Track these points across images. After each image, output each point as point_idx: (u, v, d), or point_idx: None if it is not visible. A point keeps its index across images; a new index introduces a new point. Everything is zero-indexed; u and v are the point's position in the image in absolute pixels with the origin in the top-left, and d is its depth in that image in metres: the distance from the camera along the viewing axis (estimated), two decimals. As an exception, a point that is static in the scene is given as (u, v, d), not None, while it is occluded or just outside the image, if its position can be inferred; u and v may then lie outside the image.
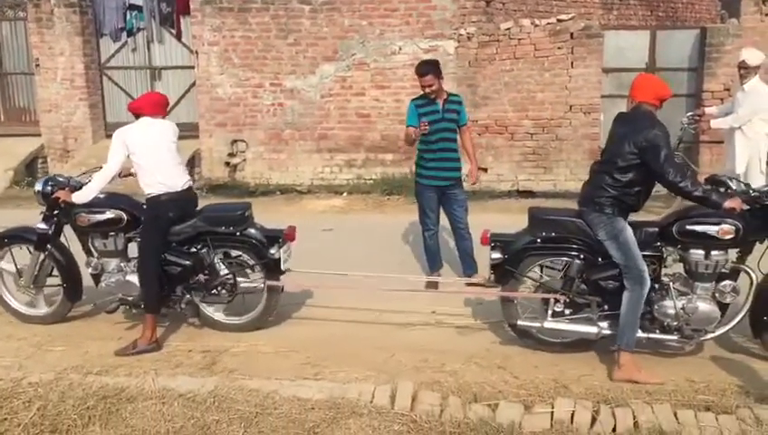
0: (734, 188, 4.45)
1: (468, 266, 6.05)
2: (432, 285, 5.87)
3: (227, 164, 10.77)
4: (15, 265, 5.44)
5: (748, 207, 4.34)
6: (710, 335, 4.51)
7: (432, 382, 4.22)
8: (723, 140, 8.01)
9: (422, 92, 5.95)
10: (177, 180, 5.02)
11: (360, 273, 5.54)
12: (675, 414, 3.75)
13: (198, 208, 5.22)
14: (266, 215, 8.28)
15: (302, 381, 4.22)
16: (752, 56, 7.06)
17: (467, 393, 4.08)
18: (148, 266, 4.96)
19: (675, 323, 4.45)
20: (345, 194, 10.21)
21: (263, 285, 5.12)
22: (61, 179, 5.39)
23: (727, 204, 4.19)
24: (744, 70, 7.07)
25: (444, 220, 6.16)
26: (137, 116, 5.08)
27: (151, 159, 4.94)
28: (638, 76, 4.66)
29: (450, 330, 5.17)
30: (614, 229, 4.35)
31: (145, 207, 5.04)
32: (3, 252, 5.47)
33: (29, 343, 5.09)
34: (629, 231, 4.36)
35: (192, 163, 10.88)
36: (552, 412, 3.80)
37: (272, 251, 5.04)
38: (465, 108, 6.18)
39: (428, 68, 5.87)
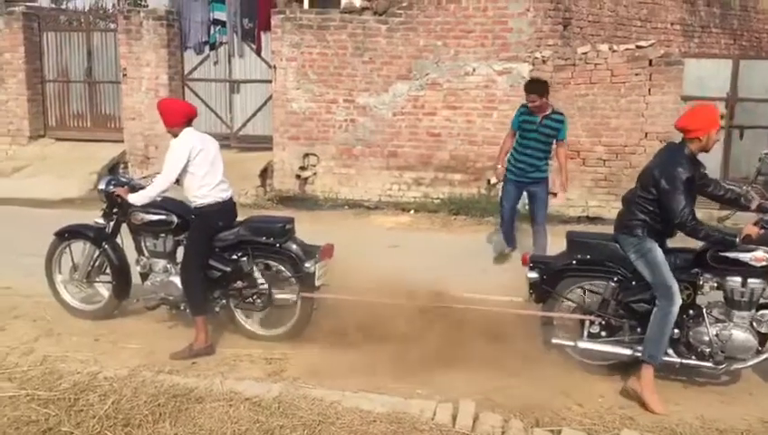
0: None
1: None
2: (501, 260, 7.23)
3: (298, 177, 10.98)
4: (72, 259, 5.75)
5: None
6: (745, 364, 4.48)
7: (494, 404, 4.20)
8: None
9: None
10: (226, 192, 5.23)
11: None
12: (746, 455, 3.63)
13: (243, 219, 5.39)
14: (334, 228, 8.45)
15: (365, 393, 4.25)
16: None
17: (530, 417, 4.05)
18: (193, 272, 5.12)
19: (708, 350, 4.46)
20: (412, 212, 10.26)
21: (296, 299, 5.21)
22: (123, 179, 5.74)
23: (745, 231, 4.27)
24: None
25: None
26: (182, 124, 5.10)
27: (210, 169, 5.12)
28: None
29: (513, 351, 5.12)
30: (643, 248, 4.45)
31: (194, 215, 5.20)
32: (63, 246, 5.77)
33: (106, 339, 5.31)
34: (659, 251, 4.44)
35: (264, 175, 11.17)
36: (617, 443, 3.74)
37: (307, 265, 5.14)
38: (565, 126, 6.94)
39: (533, 87, 6.79)
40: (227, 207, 5.27)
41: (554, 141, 6.88)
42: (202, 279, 5.15)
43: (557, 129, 6.81)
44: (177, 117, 5.11)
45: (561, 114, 7.00)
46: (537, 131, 6.78)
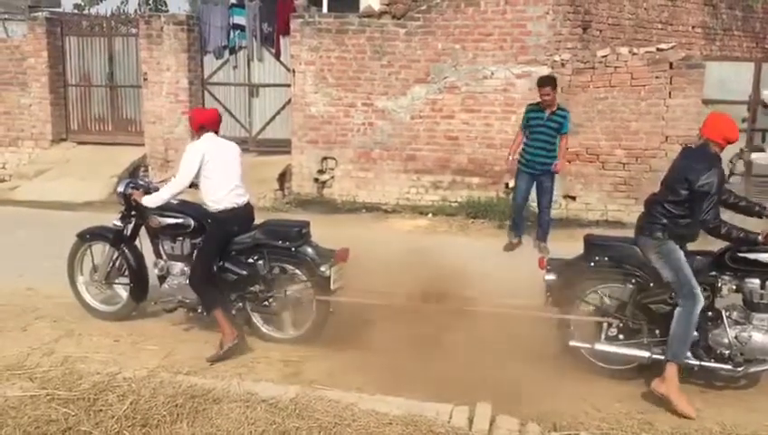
0: None
1: (540, 235, 7.98)
2: (510, 247, 8.08)
3: (316, 180, 11.02)
4: (93, 260, 5.84)
5: None
6: (764, 367, 4.49)
7: (511, 407, 4.18)
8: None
9: (537, 101, 7.81)
10: (242, 197, 5.29)
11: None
12: (768, 462, 3.58)
13: (260, 222, 5.43)
14: (353, 232, 8.46)
15: (381, 395, 4.25)
16: None
17: (547, 422, 4.03)
18: (201, 276, 5.17)
19: (728, 353, 4.46)
20: (430, 215, 10.25)
21: (312, 302, 5.23)
22: (141, 183, 5.82)
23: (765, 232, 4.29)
24: None
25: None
26: (200, 129, 5.27)
27: (224, 174, 5.18)
28: (710, 114, 4.74)
29: (531, 356, 5.09)
30: (664, 250, 4.46)
31: (210, 220, 5.25)
32: (84, 248, 5.86)
33: (125, 340, 5.37)
34: (680, 253, 4.45)
35: (283, 178, 11.22)
36: (635, 448, 3.71)
37: (322, 268, 5.17)
38: (569, 120, 7.88)
39: (547, 80, 7.77)
40: (243, 213, 5.32)
41: (559, 135, 7.74)
42: (210, 278, 5.18)
43: (562, 123, 7.73)
44: (193, 124, 5.32)
45: (566, 110, 7.94)
46: (545, 126, 7.69)
